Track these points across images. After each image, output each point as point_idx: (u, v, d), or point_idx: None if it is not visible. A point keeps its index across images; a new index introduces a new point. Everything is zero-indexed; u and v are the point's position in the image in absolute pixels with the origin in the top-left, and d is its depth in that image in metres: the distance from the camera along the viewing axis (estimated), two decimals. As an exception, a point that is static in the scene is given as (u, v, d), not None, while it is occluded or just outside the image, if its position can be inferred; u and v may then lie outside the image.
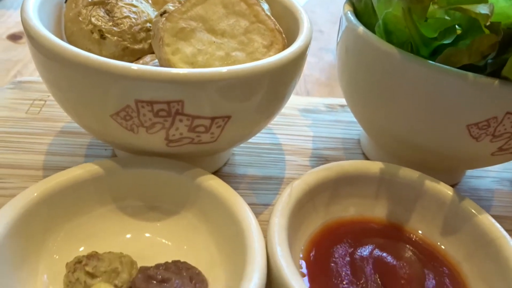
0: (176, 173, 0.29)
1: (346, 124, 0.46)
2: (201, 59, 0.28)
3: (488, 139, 0.30)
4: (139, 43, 0.31)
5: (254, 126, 0.31)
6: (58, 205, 0.26)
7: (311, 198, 0.29)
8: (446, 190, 0.30)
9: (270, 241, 0.25)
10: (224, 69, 0.25)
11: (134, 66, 0.24)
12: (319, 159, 0.41)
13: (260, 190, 0.37)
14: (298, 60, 0.29)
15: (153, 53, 0.31)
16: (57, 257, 0.26)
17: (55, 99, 0.30)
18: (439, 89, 0.28)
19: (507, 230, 0.28)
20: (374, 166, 0.31)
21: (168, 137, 0.27)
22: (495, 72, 0.28)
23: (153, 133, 0.27)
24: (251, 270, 0.23)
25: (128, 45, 0.30)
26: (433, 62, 0.28)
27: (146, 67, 0.24)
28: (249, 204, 0.27)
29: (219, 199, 0.27)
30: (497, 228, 0.28)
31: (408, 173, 0.31)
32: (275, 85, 0.28)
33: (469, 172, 0.42)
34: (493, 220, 0.28)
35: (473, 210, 0.29)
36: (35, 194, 0.25)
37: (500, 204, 0.40)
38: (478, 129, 0.29)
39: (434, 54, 0.30)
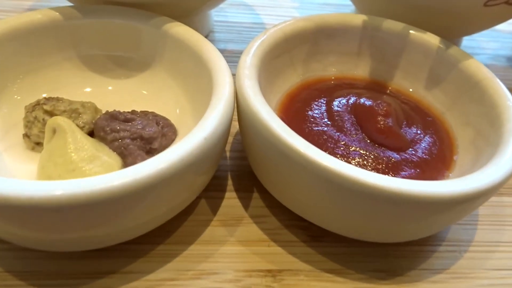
0: (139, 22, 0.26)
1: (336, 7, 0.44)
2: None
3: (481, -17, 0.27)
4: None
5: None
6: (15, 47, 0.25)
7: (288, 49, 0.28)
8: (431, 39, 0.28)
9: (239, 76, 0.23)
10: None
11: None
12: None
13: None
14: None
15: None
16: (18, 97, 0.25)
17: None
18: None
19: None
20: (357, 18, 0.29)
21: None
22: None
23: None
24: (216, 100, 0.22)
25: None
26: None
27: None
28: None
29: (187, 45, 0.25)
30: (483, 71, 0.26)
31: (392, 25, 0.29)
32: None
33: (464, 48, 0.40)
34: (479, 64, 0.26)
35: (458, 56, 0.27)
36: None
37: (494, 77, 0.38)
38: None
39: None
